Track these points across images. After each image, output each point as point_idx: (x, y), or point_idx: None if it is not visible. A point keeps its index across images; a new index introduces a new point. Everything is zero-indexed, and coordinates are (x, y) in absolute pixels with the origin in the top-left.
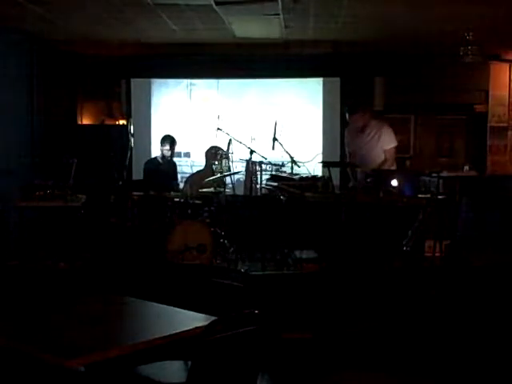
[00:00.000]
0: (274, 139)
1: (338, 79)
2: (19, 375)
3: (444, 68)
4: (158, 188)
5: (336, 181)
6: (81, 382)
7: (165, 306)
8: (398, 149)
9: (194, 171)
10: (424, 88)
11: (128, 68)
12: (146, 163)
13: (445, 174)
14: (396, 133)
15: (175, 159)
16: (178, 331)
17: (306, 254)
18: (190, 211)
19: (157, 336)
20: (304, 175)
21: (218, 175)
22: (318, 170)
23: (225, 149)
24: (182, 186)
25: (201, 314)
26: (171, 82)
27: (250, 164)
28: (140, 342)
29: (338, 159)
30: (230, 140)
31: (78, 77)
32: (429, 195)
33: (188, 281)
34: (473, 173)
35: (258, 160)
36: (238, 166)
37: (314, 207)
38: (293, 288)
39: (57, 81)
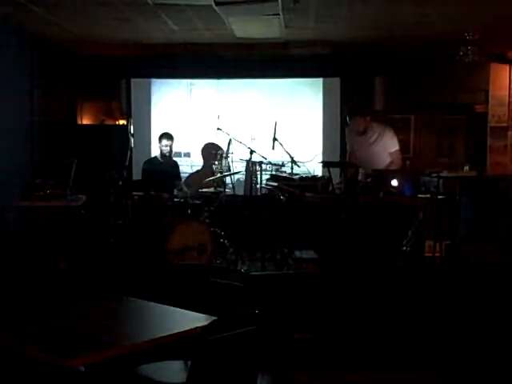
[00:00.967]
0: (274, 139)
1: (338, 79)
2: (19, 375)
3: (444, 68)
4: (159, 188)
5: (336, 181)
6: (81, 381)
7: (165, 305)
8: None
9: (193, 171)
10: (424, 88)
11: (128, 68)
12: (145, 163)
13: (445, 174)
14: (396, 133)
15: (175, 159)
16: (177, 331)
17: (305, 254)
18: (189, 211)
19: (157, 336)
20: (304, 175)
21: (218, 175)
22: (318, 170)
23: (222, 146)
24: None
25: (201, 314)
26: (171, 81)
27: (249, 164)
28: (140, 341)
29: (338, 159)
30: (230, 140)
31: (77, 77)
32: (429, 195)
33: (188, 281)
34: (473, 173)
35: (258, 160)
36: (238, 166)
37: (313, 207)
38: (293, 288)
39: (57, 81)
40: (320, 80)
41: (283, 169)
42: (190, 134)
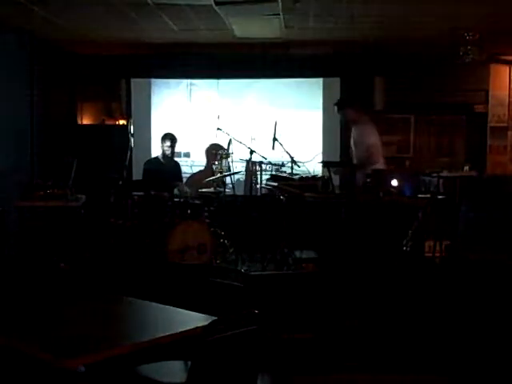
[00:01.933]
0: (274, 139)
1: (338, 79)
2: (19, 375)
3: (444, 68)
4: (161, 188)
5: (336, 181)
6: (81, 381)
7: (165, 306)
8: (397, 149)
9: (194, 171)
10: (424, 88)
11: (128, 68)
12: (146, 163)
13: (445, 173)
14: (396, 133)
15: (175, 159)
16: (177, 331)
17: (305, 254)
18: (189, 211)
19: (157, 336)
20: (304, 175)
21: (218, 175)
22: (318, 170)
23: (224, 147)
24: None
25: (201, 314)
26: (171, 82)
27: (249, 164)
28: (140, 341)
29: (338, 159)
30: (230, 140)
31: (77, 77)
32: (429, 195)
33: (188, 281)
34: (473, 173)
35: (258, 160)
36: (238, 166)
37: (313, 207)
38: (293, 288)
39: (57, 81)
40: (320, 80)
41: (283, 169)
42: (190, 134)
